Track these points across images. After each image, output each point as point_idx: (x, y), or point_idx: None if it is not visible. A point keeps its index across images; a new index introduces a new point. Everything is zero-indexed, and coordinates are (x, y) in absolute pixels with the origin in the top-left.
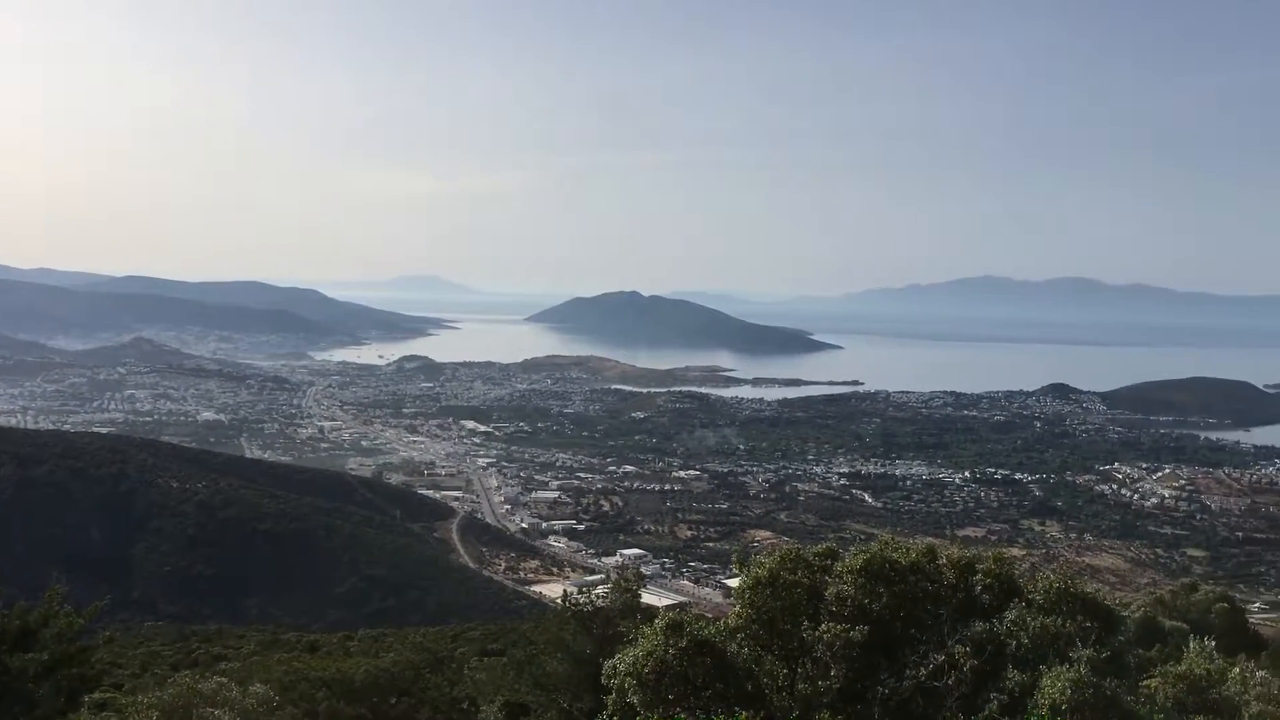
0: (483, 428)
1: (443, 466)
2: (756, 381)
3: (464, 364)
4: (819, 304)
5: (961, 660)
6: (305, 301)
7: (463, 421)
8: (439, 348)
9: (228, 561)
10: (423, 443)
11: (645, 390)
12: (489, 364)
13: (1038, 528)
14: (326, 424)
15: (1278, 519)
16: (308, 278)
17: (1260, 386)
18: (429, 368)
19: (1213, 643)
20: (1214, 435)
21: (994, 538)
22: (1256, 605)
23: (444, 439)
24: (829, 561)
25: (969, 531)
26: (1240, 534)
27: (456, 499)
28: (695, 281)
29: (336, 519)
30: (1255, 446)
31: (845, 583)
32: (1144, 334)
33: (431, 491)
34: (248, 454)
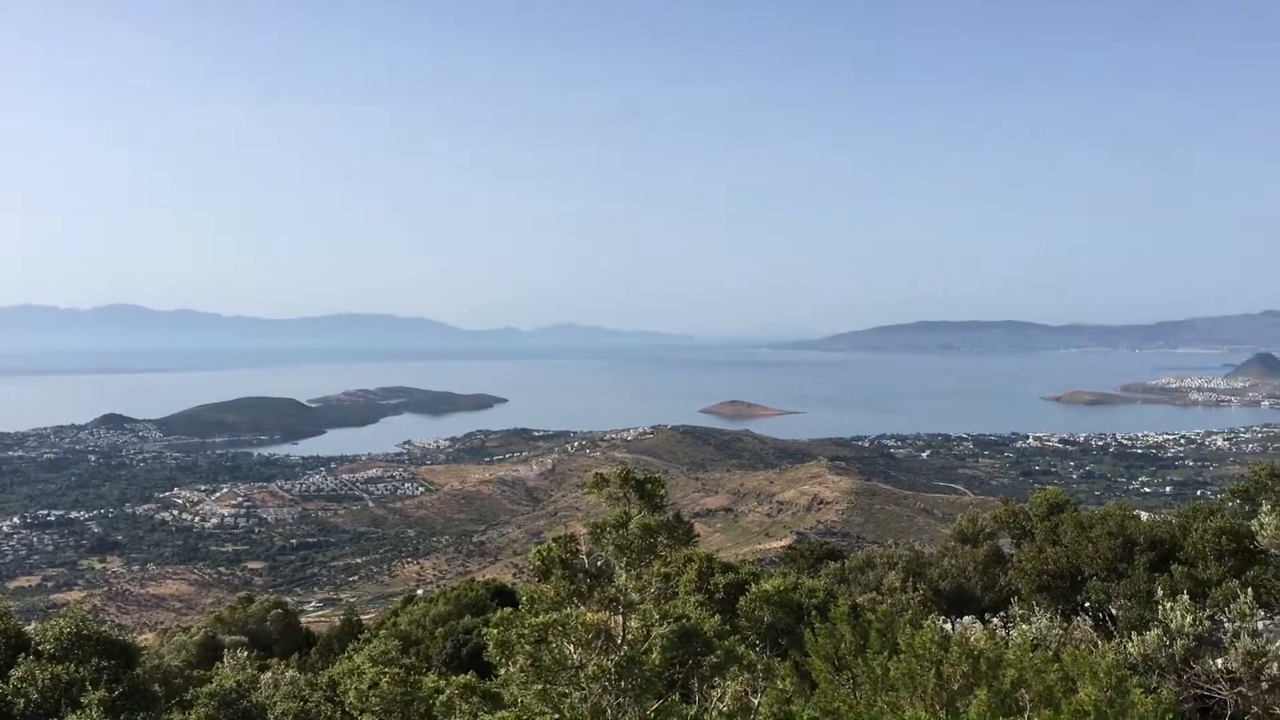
0: None
1: None
2: None
3: None
4: None
5: None
6: None
7: None
8: None
9: None
10: None
11: None
12: None
13: (99, 565)
14: None
15: (325, 522)
16: None
17: (305, 402)
18: None
19: (245, 654)
20: (266, 451)
21: (50, 584)
22: (313, 604)
23: None
24: None
25: (22, 581)
26: (295, 540)
27: None
28: None
29: None
30: (303, 458)
31: None
32: (195, 359)
33: None
34: None
